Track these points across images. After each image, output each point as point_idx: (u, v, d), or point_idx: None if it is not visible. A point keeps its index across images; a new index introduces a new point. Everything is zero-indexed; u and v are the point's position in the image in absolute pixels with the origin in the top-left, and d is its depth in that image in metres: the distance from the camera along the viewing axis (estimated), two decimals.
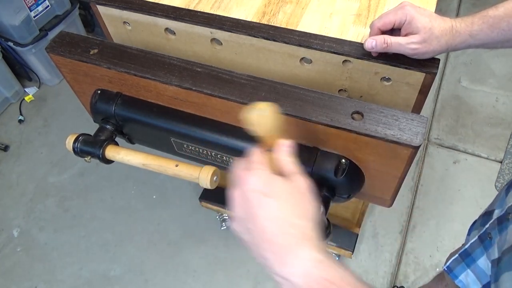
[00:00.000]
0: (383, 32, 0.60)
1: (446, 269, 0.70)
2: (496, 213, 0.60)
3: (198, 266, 1.52)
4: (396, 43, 0.58)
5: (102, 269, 1.54)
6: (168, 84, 0.63)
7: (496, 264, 0.54)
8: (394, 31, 0.61)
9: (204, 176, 0.59)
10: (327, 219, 0.63)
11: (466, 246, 0.65)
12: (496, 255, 0.55)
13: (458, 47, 0.57)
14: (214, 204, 1.40)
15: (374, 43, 0.59)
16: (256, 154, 0.43)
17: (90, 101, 0.73)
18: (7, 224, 1.67)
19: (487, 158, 1.69)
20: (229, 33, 0.69)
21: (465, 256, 0.65)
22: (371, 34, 0.61)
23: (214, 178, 0.60)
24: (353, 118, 0.56)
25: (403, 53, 0.59)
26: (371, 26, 0.61)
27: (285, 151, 0.43)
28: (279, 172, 0.42)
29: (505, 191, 0.62)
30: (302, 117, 0.57)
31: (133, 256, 1.56)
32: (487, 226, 0.61)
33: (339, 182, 0.61)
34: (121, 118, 0.70)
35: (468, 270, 0.65)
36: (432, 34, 0.56)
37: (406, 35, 0.58)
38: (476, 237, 0.63)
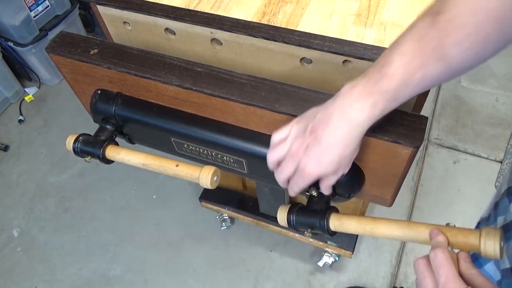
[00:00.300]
0: None
1: None
2: (500, 220, 0.59)
3: (198, 266, 1.52)
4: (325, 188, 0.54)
5: (102, 269, 1.54)
6: (168, 84, 0.63)
7: (511, 273, 0.53)
8: None
9: (205, 176, 0.59)
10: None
11: None
12: (507, 264, 0.54)
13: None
14: (214, 204, 1.39)
15: (297, 192, 0.54)
16: (445, 266, 0.41)
17: (90, 101, 0.73)
18: (7, 224, 1.67)
19: (487, 158, 1.69)
20: (229, 33, 0.69)
21: (474, 260, 0.64)
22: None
23: (215, 178, 0.60)
24: None
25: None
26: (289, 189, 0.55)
27: (471, 262, 0.43)
28: (464, 278, 0.41)
29: (508, 197, 0.60)
30: None
31: (133, 256, 1.56)
32: None
33: (339, 181, 0.61)
34: (121, 118, 0.70)
35: None
36: (344, 162, 0.50)
37: None
38: None
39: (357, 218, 0.55)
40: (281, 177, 0.54)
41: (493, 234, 0.44)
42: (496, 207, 0.64)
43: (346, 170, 0.52)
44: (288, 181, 0.54)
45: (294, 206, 0.61)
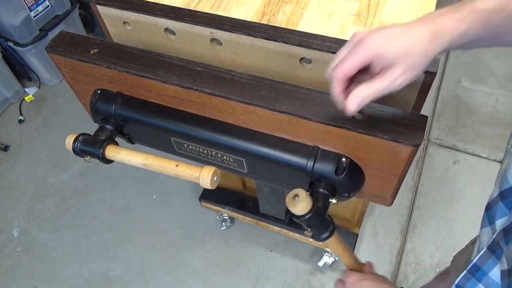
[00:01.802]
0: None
1: None
2: (501, 223, 0.59)
3: (198, 266, 1.52)
4: (378, 90, 0.47)
5: (102, 269, 1.54)
6: (168, 84, 0.63)
7: (507, 275, 0.53)
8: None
9: (205, 176, 0.59)
10: (329, 216, 0.63)
11: (475, 260, 0.63)
12: (505, 266, 0.54)
13: (447, 49, 0.47)
14: (214, 204, 1.40)
15: (357, 104, 0.48)
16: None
17: (90, 101, 0.73)
18: (7, 224, 1.67)
19: (487, 158, 1.69)
20: (229, 33, 0.69)
21: (475, 271, 0.62)
22: (336, 87, 0.49)
23: (215, 178, 0.60)
24: (353, 117, 0.56)
25: (390, 92, 0.48)
26: (334, 76, 0.49)
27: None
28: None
29: (502, 201, 0.60)
30: (303, 116, 0.57)
31: (133, 256, 1.56)
32: (494, 236, 0.59)
33: (339, 181, 0.61)
34: (121, 118, 0.70)
35: (480, 284, 0.63)
36: (413, 55, 0.46)
37: (380, 71, 0.48)
38: (485, 248, 0.61)
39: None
40: (336, 60, 0.50)
41: None
42: (487, 209, 0.64)
43: (404, 78, 0.47)
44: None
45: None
